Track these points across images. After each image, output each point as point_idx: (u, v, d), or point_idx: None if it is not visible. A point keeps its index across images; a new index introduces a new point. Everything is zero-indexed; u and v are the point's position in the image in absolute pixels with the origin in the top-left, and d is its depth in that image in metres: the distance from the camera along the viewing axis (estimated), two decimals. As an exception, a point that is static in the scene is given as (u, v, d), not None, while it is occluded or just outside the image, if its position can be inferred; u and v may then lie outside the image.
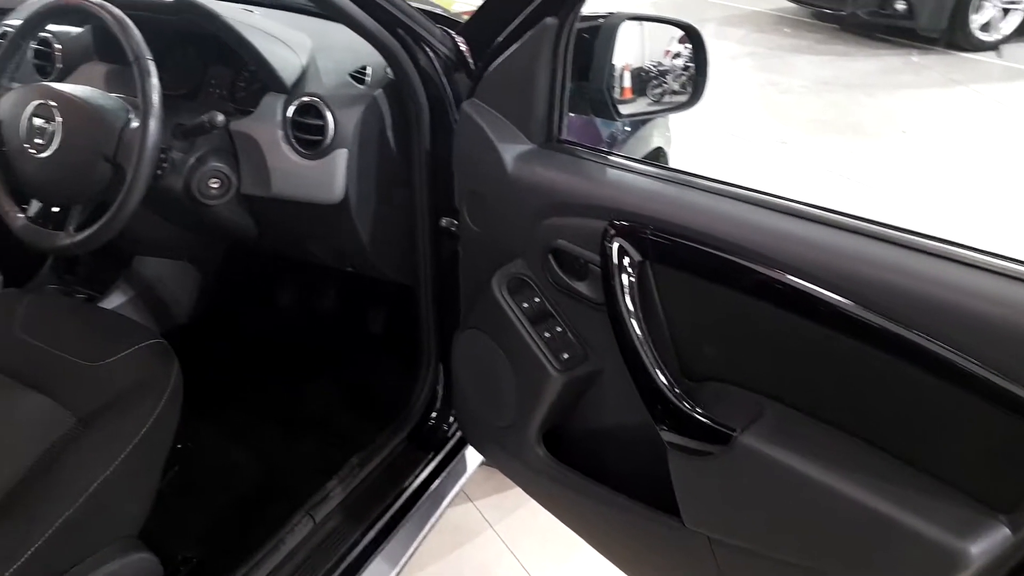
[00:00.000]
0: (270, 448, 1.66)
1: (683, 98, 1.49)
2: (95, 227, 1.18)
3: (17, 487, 1.06)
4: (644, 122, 2.02)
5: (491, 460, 1.36)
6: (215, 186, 1.33)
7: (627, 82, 1.55)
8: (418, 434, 1.53)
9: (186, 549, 1.39)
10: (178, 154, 1.29)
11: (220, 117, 1.22)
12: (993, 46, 6.06)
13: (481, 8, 1.16)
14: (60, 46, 1.50)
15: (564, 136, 1.16)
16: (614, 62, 1.26)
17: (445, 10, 1.54)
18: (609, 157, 1.11)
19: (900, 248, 0.80)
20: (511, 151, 1.13)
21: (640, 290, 0.99)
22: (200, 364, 1.46)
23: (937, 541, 0.74)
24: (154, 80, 1.14)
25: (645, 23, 1.40)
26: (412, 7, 1.19)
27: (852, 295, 0.79)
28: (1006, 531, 0.74)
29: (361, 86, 1.31)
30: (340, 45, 1.38)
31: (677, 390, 0.96)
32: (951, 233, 0.81)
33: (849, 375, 0.84)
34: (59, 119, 1.18)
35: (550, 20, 1.04)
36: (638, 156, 1.94)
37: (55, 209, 1.31)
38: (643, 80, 1.57)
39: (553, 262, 1.10)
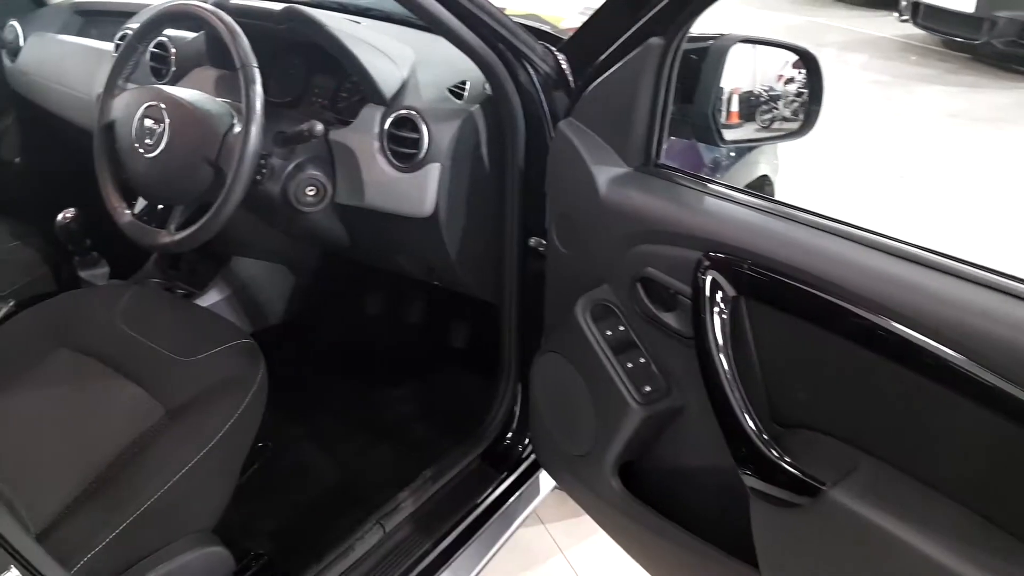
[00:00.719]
0: (347, 453, 1.67)
1: (794, 126, 1.41)
2: (194, 228, 1.22)
3: (105, 472, 1.11)
4: (750, 148, 1.94)
5: (564, 487, 1.32)
6: (311, 194, 1.35)
7: (735, 106, 1.48)
8: (492, 453, 1.51)
9: (258, 546, 1.41)
10: (277, 161, 1.31)
11: (319, 127, 1.24)
12: None
13: (584, 26, 1.13)
14: (175, 50, 1.56)
15: (662, 160, 1.11)
16: (722, 85, 1.21)
17: (552, 27, 1.52)
18: (708, 184, 1.05)
19: None
20: (605, 174, 1.09)
21: (732, 327, 0.93)
22: (287, 364, 1.49)
23: None
24: (258, 88, 1.17)
25: (757, 46, 1.33)
26: (515, 22, 1.18)
27: (965, 350, 0.72)
28: None
29: (459, 101, 1.30)
30: (441, 59, 1.38)
31: (765, 435, 0.89)
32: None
33: (954, 435, 0.77)
34: (167, 121, 1.22)
35: (655, 40, 1.00)
36: (742, 183, 1.86)
37: (159, 208, 1.36)
38: (752, 105, 1.50)
39: (641, 291, 1.05)
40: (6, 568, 0.69)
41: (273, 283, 1.87)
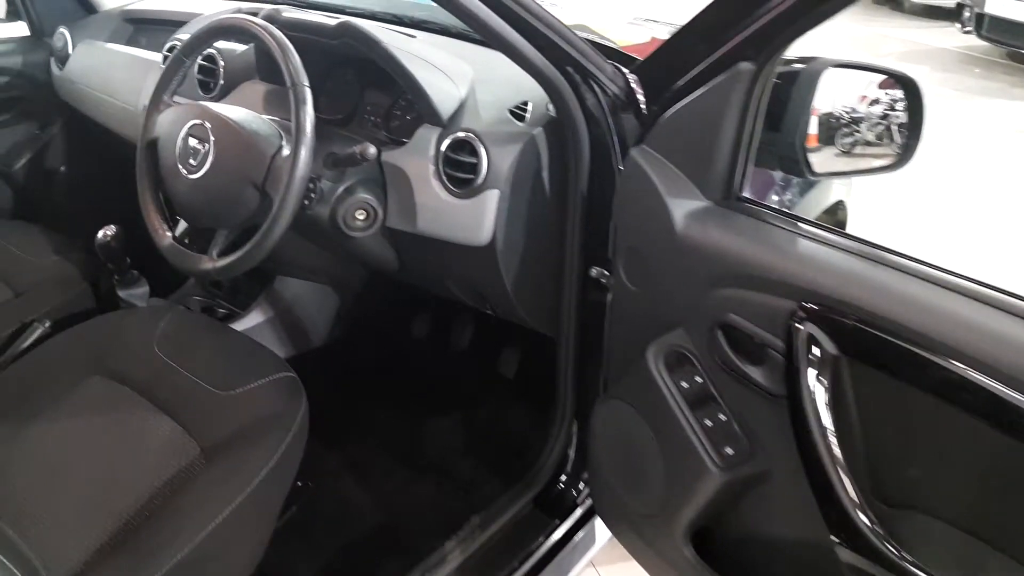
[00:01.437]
0: (388, 489, 1.58)
1: (884, 152, 1.29)
2: (236, 255, 1.15)
3: (134, 517, 1.04)
4: (822, 171, 1.81)
5: (626, 545, 1.22)
6: (361, 218, 1.27)
7: (813, 128, 1.37)
8: (545, 498, 1.42)
9: None
10: (327, 183, 1.23)
11: (372, 150, 1.16)
12: None
13: (663, 47, 1.03)
14: (223, 63, 1.50)
15: (744, 194, 1.01)
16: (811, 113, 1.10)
17: (608, 41, 1.43)
18: (800, 224, 0.95)
19: None
20: (682, 207, 1.00)
21: (833, 389, 0.83)
22: (327, 389, 1.42)
23: None
24: (309, 108, 1.09)
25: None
26: (583, 41, 1.08)
27: None
28: None
29: (520, 123, 1.21)
30: (501, 77, 1.29)
31: (869, 513, 0.79)
32: None
33: None
34: (212, 141, 1.16)
35: (745, 65, 0.90)
36: (817, 208, 1.74)
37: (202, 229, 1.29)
38: (832, 127, 1.38)
39: (723, 339, 0.95)
40: None
41: (317, 304, 1.80)
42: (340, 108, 1.40)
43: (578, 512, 1.42)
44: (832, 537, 0.83)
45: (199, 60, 1.49)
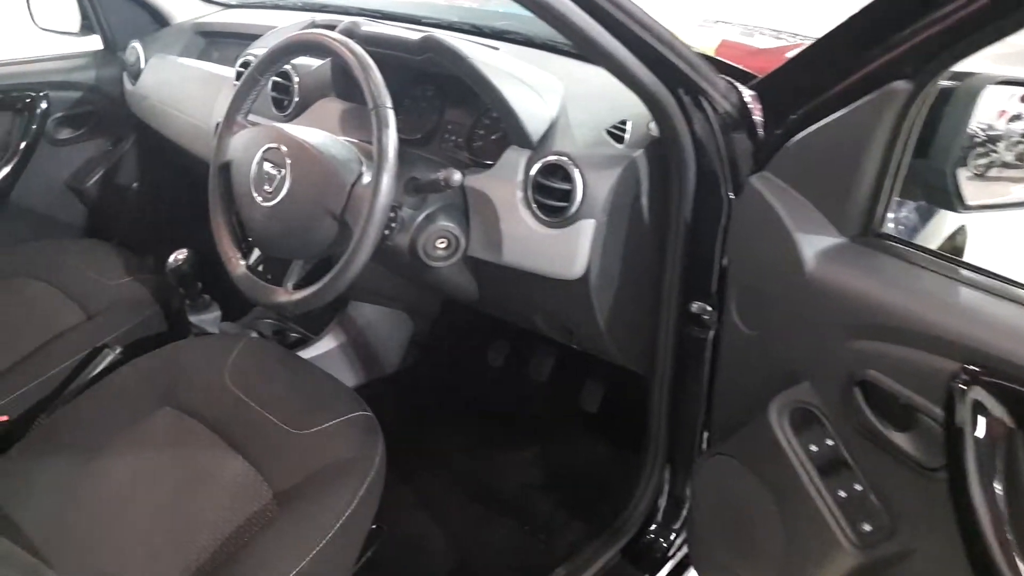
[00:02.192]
0: (464, 530, 1.49)
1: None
2: (313, 289, 1.07)
3: (205, 566, 0.98)
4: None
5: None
6: (442, 247, 1.18)
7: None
8: (634, 548, 1.30)
9: None
10: (408, 211, 1.15)
11: (457, 176, 1.06)
12: None
13: (793, 62, 0.91)
14: (298, 79, 1.43)
15: (885, 230, 0.88)
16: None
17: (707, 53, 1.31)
18: (958, 268, 0.82)
19: None
20: (813, 243, 0.88)
21: (1007, 466, 0.70)
22: (400, 420, 1.34)
23: None
24: (392, 132, 1.00)
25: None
26: (694, 53, 0.97)
27: None
28: None
29: (618, 145, 1.10)
30: (596, 92, 1.18)
31: None
32: None
33: None
34: (288, 166, 1.08)
35: (901, 85, 0.78)
36: (938, 235, 1.58)
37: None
38: (965, 147, 1.24)
39: (860, 399, 0.83)
40: None
41: (390, 330, 1.72)
42: (419, 127, 1.31)
43: (669, 566, 1.31)
44: None
45: (273, 77, 1.42)
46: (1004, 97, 1.24)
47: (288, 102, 1.44)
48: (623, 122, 1.12)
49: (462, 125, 1.28)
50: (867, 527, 0.83)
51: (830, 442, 0.87)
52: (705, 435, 1.19)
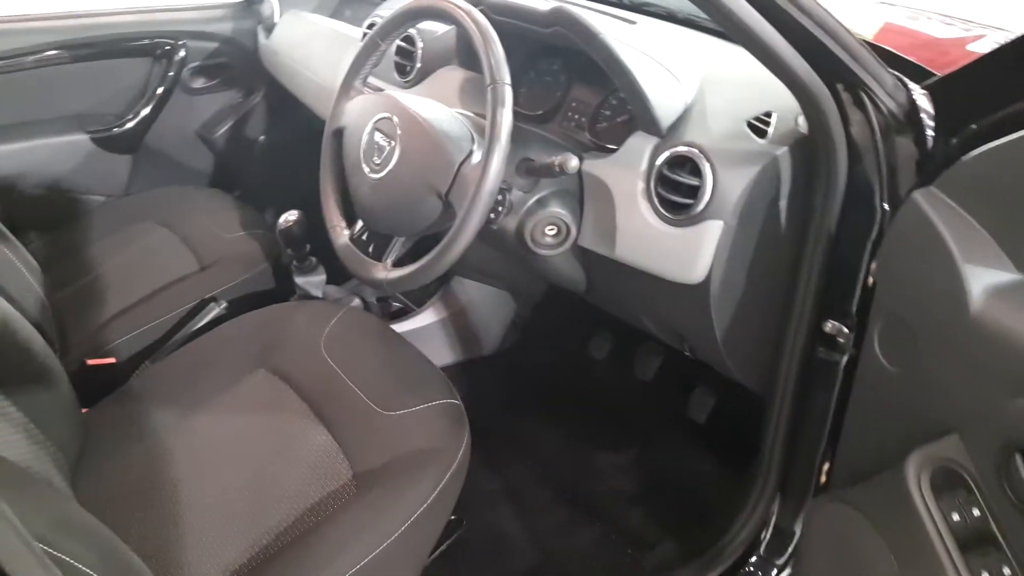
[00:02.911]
0: (547, 530, 1.42)
1: None
2: (410, 269, 1.02)
3: (278, 539, 0.98)
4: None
5: None
6: (551, 234, 1.10)
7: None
8: None
9: None
10: (518, 193, 1.07)
11: (574, 162, 0.98)
12: None
13: (982, 60, 0.77)
14: (422, 45, 1.37)
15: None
16: None
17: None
18: None
19: None
20: (983, 278, 0.75)
21: None
22: (493, 404, 1.28)
23: None
24: (507, 111, 0.93)
25: None
26: (859, 42, 0.84)
27: None
28: None
29: (759, 140, 0.98)
30: (739, 78, 1.07)
31: None
32: None
33: None
34: (399, 138, 1.03)
35: None
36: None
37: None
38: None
39: (1023, 468, 0.70)
40: None
41: (492, 309, 1.66)
42: (541, 103, 1.23)
43: (768, 601, 1.20)
44: None
45: (397, 41, 1.37)
46: None
47: (411, 68, 1.39)
48: (767, 114, 1.00)
49: (587, 104, 1.19)
50: (1015, 619, 0.71)
51: (977, 513, 0.74)
52: (825, 467, 1.07)
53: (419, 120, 1.01)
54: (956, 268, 0.75)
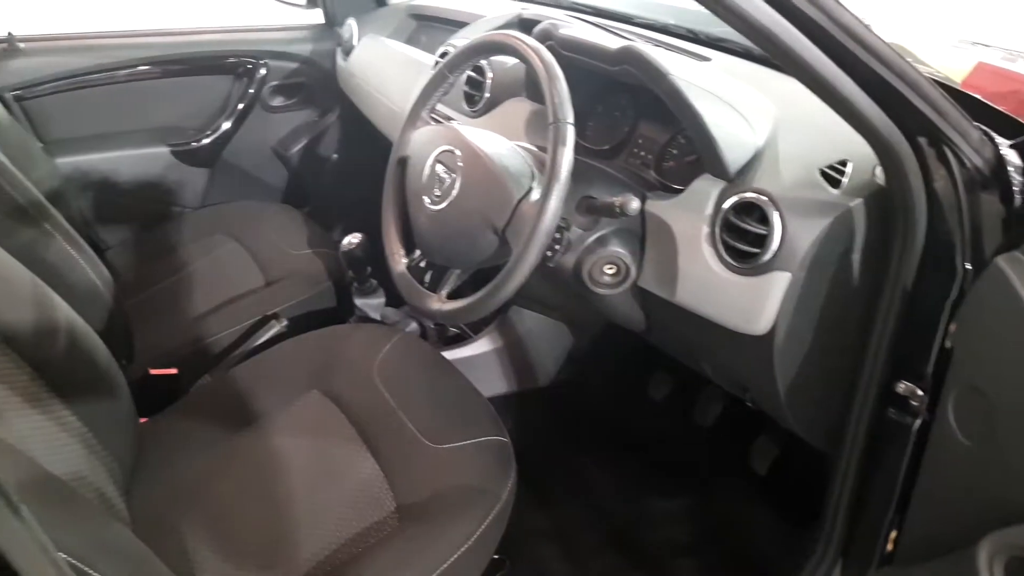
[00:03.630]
0: (594, 575, 1.38)
1: None
2: (463, 303, 1.01)
3: (317, 568, 0.97)
4: None
5: None
6: (610, 273, 1.08)
7: None
8: None
9: None
10: (577, 231, 1.05)
11: (635, 204, 0.95)
12: None
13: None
14: (492, 76, 1.37)
15: None
16: None
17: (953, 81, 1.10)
18: None
19: None
20: None
21: None
22: (544, 439, 1.26)
23: None
24: (568, 151, 0.91)
25: None
26: (941, 95, 0.79)
27: None
28: None
29: (833, 189, 0.93)
30: (814, 123, 1.02)
31: None
32: None
33: None
34: (460, 171, 1.02)
35: None
36: None
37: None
38: None
39: None
40: None
41: (549, 341, 1.64)
42: (608, 138, 1.21)
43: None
44: None
45: (468, 72, 1.37)
46: None
47: (479, 98, 1.39)
48: (842, 162, 0.95)
49: (654, 142, 1.16)
50: None
51: None
52: (892, 534, 1.01)
53: (480, 155, 1.00)
54: None
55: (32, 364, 0.87)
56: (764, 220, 0.94)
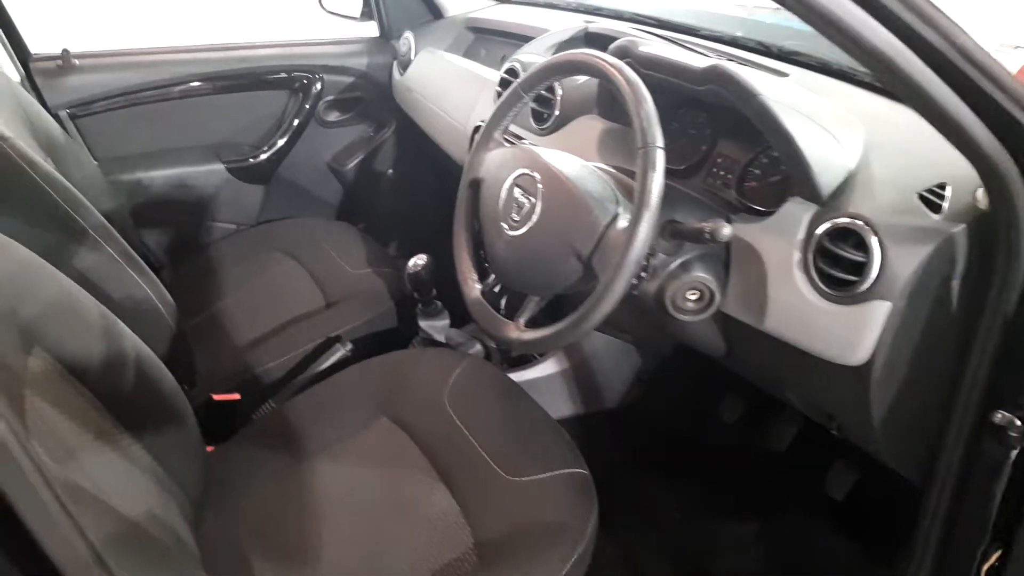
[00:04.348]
0: None
1: None
2: (545, 333, 0.98)
3: None
4: None
5: None
6: (693, 299, 1.04)
7: None
8: None
9: None
10: (661, 257, 1.02)
11: (727, 230, 0.91)
12: None
13: None
14: (561, 93, 1.34)
15: None
16: None
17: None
18: None
19: None
20: None
21: None
22: (612, 464, 1.22)
23: None
24: (659, 177, 0.87)
25: None
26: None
27: None
28: None
29: (934, 215, 0.89)
30: (907, 143, 0.98)
31: None
32: None
33: None
34: (540, 196, 0.99)
35: None
36: None
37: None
38: None
39: None
40: None
41: (616, 363, 1.60)
42: (685, 156, 1.17)
43: None
44: None
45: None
46: None
47: (548, 116, 1.36)
48: (941, 186, 0.90)
49: (735, 161, 1.12)
50: None
51: None
52: (985, 567, 0.96)
53: (561, 178, 0.97)
54: None
55: (101, 398, 0.85)
56: (860, 246, 0.90)
